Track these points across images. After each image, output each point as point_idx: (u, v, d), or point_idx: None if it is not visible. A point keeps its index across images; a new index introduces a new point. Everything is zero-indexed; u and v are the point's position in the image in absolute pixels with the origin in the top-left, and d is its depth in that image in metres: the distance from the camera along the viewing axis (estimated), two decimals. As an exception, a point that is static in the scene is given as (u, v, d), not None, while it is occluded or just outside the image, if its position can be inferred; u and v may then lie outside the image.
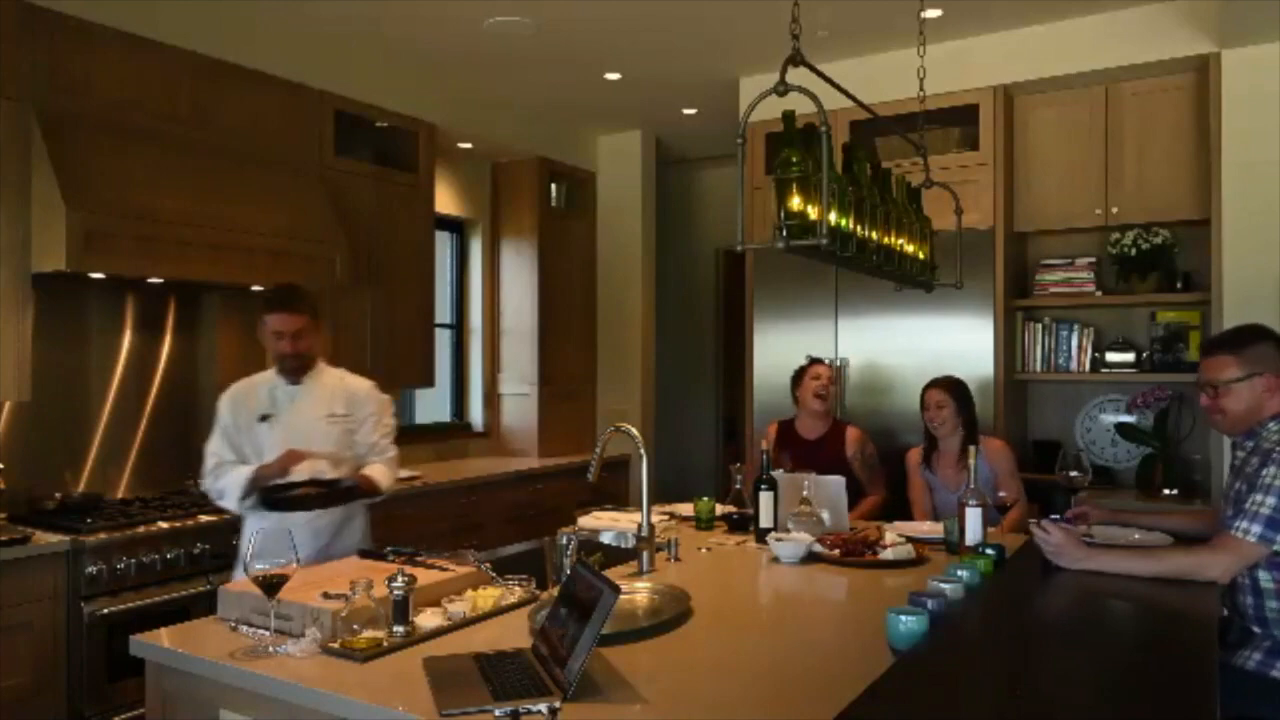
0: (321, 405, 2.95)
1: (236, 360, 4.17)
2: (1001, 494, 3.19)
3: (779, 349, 4.68)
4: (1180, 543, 2.72)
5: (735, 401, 5.84)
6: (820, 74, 2.14)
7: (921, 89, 3.19)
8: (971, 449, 2.87)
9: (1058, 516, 2.58)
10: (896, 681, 1.66)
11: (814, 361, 3.97)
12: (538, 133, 5.65)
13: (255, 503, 2.80)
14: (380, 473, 2.94)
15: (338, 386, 3.00)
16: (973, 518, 2.70)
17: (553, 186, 5.83)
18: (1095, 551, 2.46)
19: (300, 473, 2.80)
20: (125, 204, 3.30)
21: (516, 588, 2.21)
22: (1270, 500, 2.23)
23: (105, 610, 3.12)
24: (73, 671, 3.07)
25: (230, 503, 2.85)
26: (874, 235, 2.42)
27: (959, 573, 2.25)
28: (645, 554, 2.55)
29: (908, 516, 3.44)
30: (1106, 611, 2.33)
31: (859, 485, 3.67)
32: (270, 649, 1.82)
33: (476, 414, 5.82)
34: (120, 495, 3.70)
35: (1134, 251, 4.18)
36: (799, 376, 3.93)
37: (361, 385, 3.05)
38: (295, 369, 2.94)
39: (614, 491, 5.35)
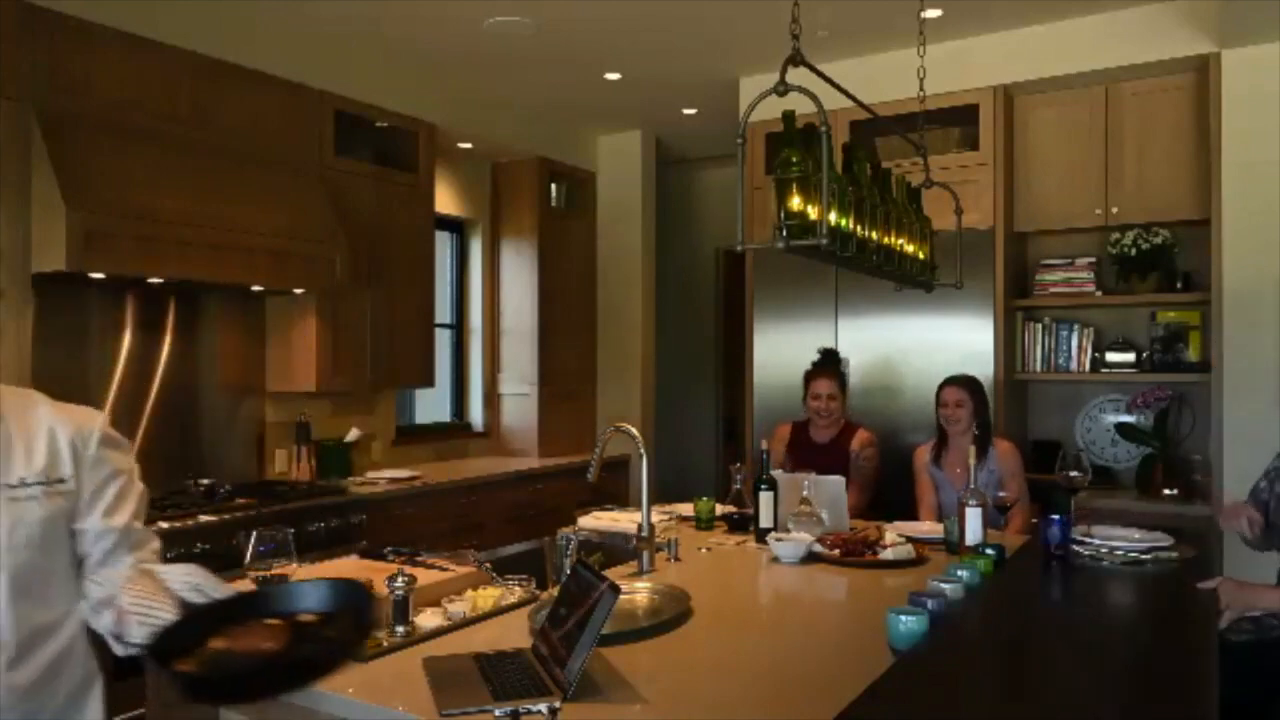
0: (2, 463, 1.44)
1: (237, 360, 4.19)
2: (1001, 494, 3.19)
3: (779, 349, 4.68)
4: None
5: (735, 401, 5.84)
6: (820, 74, 2.14)
7: (921, 89, 3.19)
8: (971, 450, 2.87)
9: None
10: (896, 681, 1.66)
11: (820, 370, 3.93)
12: (538, 133, 5.65)
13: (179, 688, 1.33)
14: (184, 580, 1.47)
15: (34, 425, 1.49)
16: (973, 518, 2.70)
17: (553, 186, 5.83)
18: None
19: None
20: (125, 204, 3.30)
21: (516, 588, 2.21)
22: None
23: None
24: (73, 671, 3.06)
25: None
26: (874, 235, 2.42)
27: (959, 573, 2.25)
28: (645, 554, 2.55)
29: (911, 516, 3.43)
30: (1106, 611, 2.33)
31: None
32: (270, 649, 1.81)
33: (476, 414, 5.82)
34: (120, 495, 3.69)
35: (1134, 251, 4.17)
36: (806, 382, 3.92)
37: (82, 419, 1.54)
38: None
39: (614, 491, 5.34)
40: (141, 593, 1.40)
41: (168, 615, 1.36)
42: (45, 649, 1.44)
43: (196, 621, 1.37)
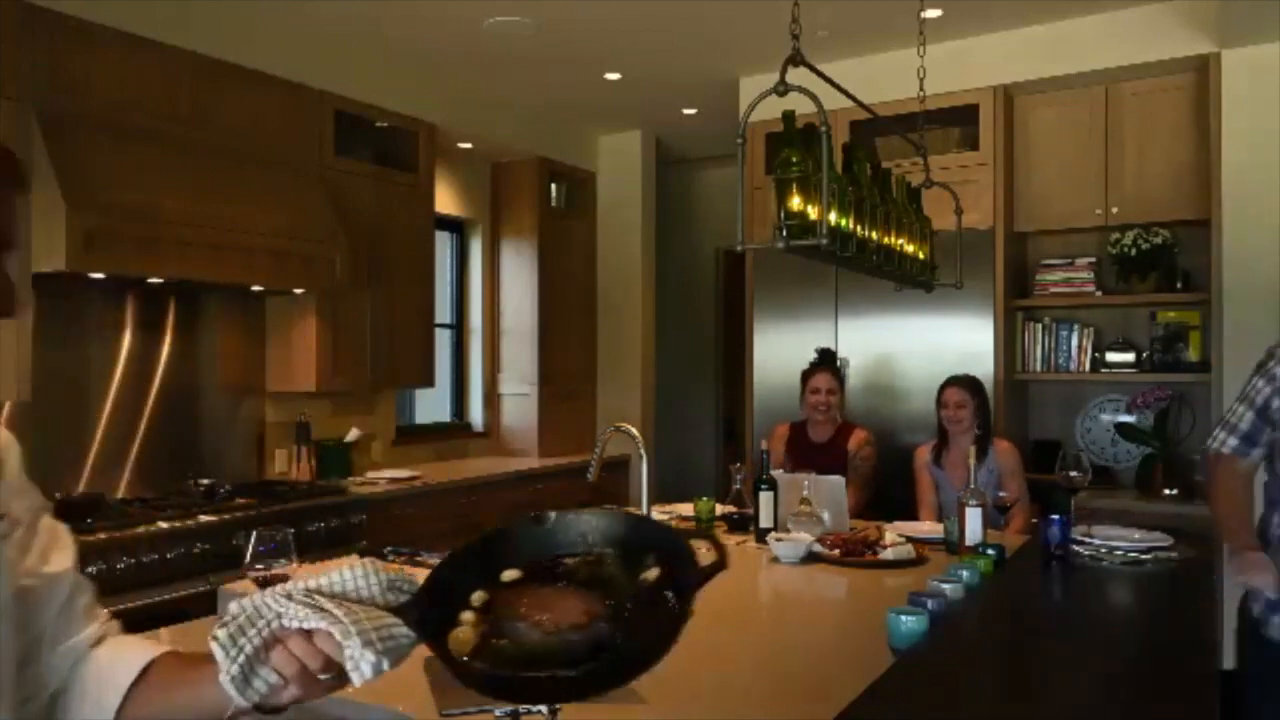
0: None
1: (237, 360, 4.19)
2: (1002, 494, 3.19)
3: (779, 349, 4.68)
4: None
5: (735, 401, 5.84)
6: (820, 74, 2.14)
7: (921, 89, 3.19)
8: (971, 450, 2.88)
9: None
10: (896, 681, 1.66)
11: (817, 368, 3.93)
12: (538, 133, 5.65)
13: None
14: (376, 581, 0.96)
15: None
16: (973, 518, 2.70)
17: (553, 186, 5.83)
18: None
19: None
20: (125, 204, 3.30)
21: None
22: None
23: (106, 610, 3.11)
24: (73, 671, 3.05)
25: None
26: (874, 235, 2.42)
27: (959, 573, 2.25)
28: (645, 554, 2.55)
29: (911, 516, 3.44)
30: (1107, 611, 2.33)
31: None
32: (270, 649, 1.80)
33: (476, 414, 5.82)
34: (120, 495, 3.70)
35: (1134, 251, 4.17)
36: (804, 381, 3.92)
37: None
38: None
39: (614, 491, 5.35)
40: (362, 619, 0.92)
41: (404, 628, 0.95)
42: None
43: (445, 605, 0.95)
